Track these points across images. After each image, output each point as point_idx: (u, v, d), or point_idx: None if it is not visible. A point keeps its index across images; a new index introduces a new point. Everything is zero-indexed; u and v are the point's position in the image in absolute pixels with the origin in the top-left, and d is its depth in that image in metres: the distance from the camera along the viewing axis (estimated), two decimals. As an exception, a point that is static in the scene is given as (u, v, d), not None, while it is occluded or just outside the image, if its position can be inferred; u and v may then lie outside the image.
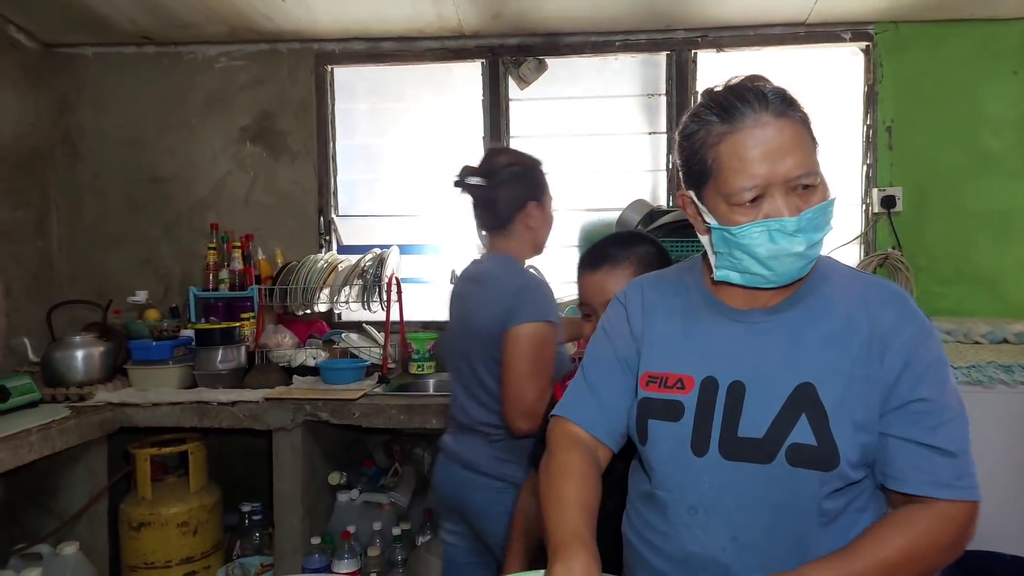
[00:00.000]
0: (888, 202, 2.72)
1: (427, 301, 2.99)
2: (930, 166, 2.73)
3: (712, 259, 1.03)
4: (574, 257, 2.93)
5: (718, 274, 1.02)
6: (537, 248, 1.76)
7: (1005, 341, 2.45)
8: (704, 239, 1.04)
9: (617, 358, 1.11)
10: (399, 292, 2.69)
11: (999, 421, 2.22)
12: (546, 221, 1.75)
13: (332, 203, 3.07)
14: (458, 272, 1.82)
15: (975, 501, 0.94)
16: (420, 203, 3.05)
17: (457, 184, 1.73)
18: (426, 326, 2.93)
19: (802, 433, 0.95)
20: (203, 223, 3.02)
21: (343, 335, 2.77)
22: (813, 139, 0.96)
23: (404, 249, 2.97)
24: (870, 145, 2.78)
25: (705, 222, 1.01)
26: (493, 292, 1.64)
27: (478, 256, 1.87)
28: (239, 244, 2.90)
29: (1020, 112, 2.68)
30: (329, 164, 3.06)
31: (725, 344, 1.03)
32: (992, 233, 2.70)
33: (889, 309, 0.99)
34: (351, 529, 2.41)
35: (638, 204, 2.58)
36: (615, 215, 2.64)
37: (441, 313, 2.74)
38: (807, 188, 0.94)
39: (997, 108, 2.68)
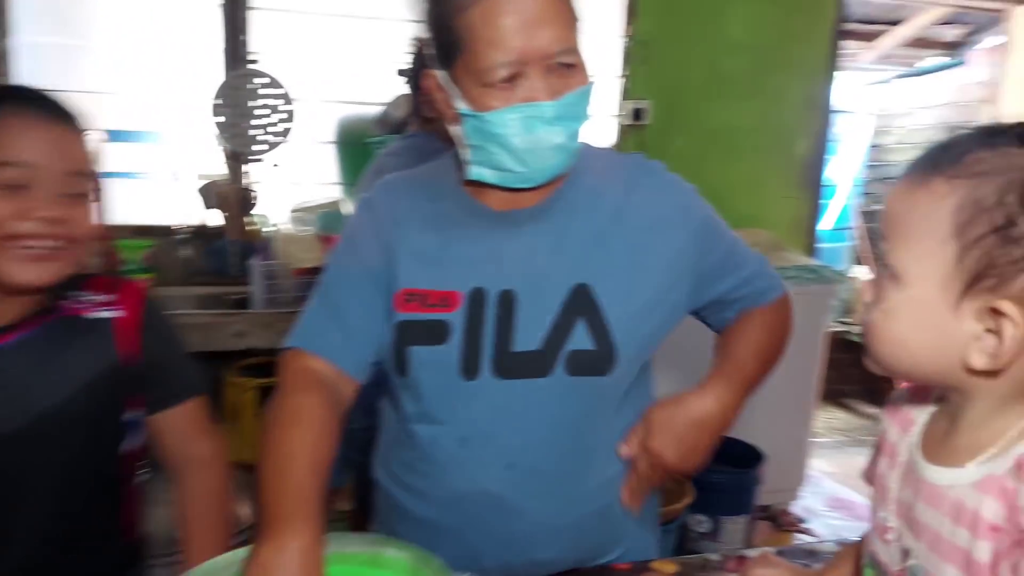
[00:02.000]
0: (637, 114, 2.82)
1: (142, 200, 2.54)
2: (677, 83, 2.86)
3: (465, 154, 0.91)
4: (329, 155, 2.68)
5: (472, 172, 0.91)
6: None
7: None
8: (455, 131, 0.92)
9: (365, 272, 0.96)
10: (100, 188, 2.21)
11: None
12: None
13: (8, 72, 2.42)
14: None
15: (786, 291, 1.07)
16: (134, 79, 2.51)
17: None
18: (141, 231, 2.49)
19: (580, 338, 0.90)
20: None
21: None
22: (574, 14, 0.86)
23: (113, 136, 2.47)
24: (627, 58, 2.84)
25: (455, 108, 0.89)
26: None
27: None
28: None
29: (755, 38, 2.89)
30: (4, 20, 2.38)
31: (490, 252, 0.94)
32: (722, 149, 2.93)
33: (654, 189, 0.97)
34: None
35: (402, 99, 2.36)
36: (376, 111, 2.41)
37: (161, 215, 2.36)
38: (567, 68, 0.85)
39: (737, 32, 2.86)
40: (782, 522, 2.86)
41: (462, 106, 0.87)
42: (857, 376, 4.28)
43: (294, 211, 2.51)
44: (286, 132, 2.40)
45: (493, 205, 0.95)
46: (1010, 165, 0.51)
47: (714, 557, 0.97)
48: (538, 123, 0.85)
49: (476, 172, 0.92)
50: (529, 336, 0.91)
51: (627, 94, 2.85)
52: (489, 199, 0.95)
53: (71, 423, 0.93)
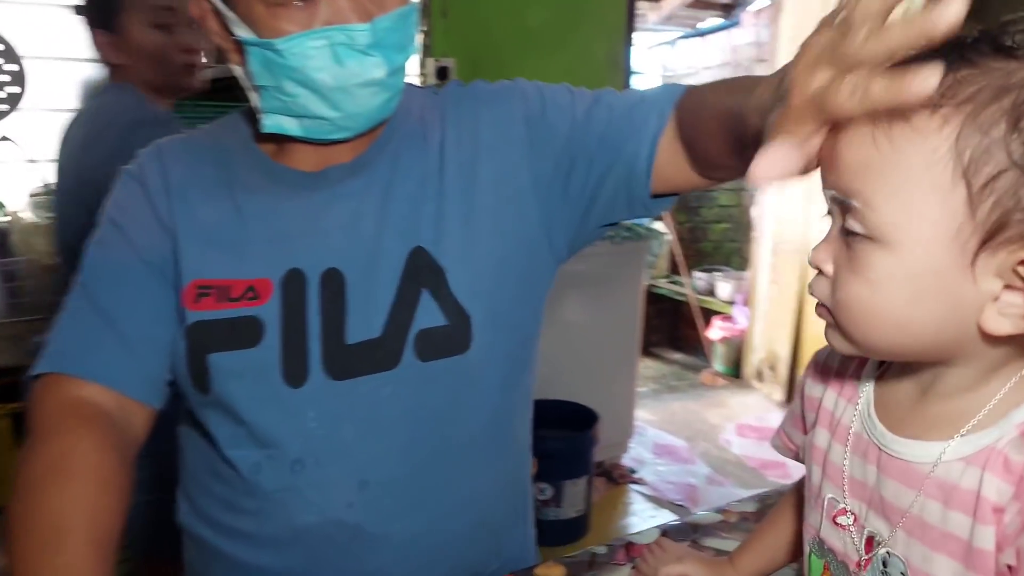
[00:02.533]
0: (442, 73, 2.66)
1: None
2: (482, 38, 2.73)
3: (255, 100, 0.71)
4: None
5: (267, 122, 0.72)
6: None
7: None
8: (238, 71, 0.73)
9: (140, 262, 0.74)
10: None
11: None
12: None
13: None
14: None
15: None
16: None
17: None
18: None
19: (427, 314, 0.74)
20: None
21: None
22: None
23: None
24: (426, 12, 2.66)
25: (234, 36, 0.69)
26: None
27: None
28: None
29: (557, -11, 2.81)
30: None
31: (303, 223, 0.75)
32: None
33: (468, 113, 0.80)
34: None
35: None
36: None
37: None
38: None
39: (539, -17, 2.78)
40: (615, 476, 2.92)
41: (243, 33, 0.67)
42: (661, 325, 4.54)
43: (33, 195, 2.06)
44: (14, 98, 1.95)
45: (299, 166, 0.76)
46: (1007, 80, 0.40)
47: (600, 551, 0.86)
48: (349, 53, 0.66)
49: (272, 123, 0.71)
50: (366, 322, 0.73)
51: (429, 52, 2.67)
52: (294, 159, 0.76)
53: None
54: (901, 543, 0.50)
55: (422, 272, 0.74)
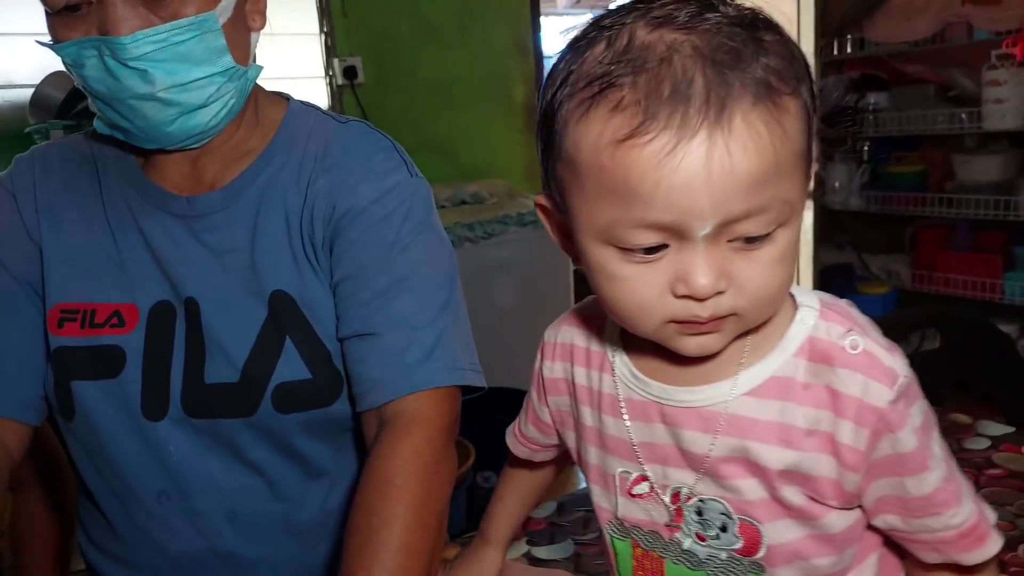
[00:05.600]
0: (350, 73, 2.65)
1: None
2: (383, 35, 2.72)
3: (91, 103, 0.70)
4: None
5: (95, 124, 0.71)
6: None
7: (464, 202, 2.69)
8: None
9: (10, 277, 0.73)
10: None
11: (472, 275, 2.46)
12: None
13: None
14: None
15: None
16: None
17: None
18: None
19: (290, 365, 0.71)
20: None
21: None
22: None
23: None
24: (324, 12, 2.64)
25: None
26: None
27: None
28: None
29: (453, -19, 2.82)
30: None
31: (173, 249, 0.73)
32: (440, 102, 2.86)
33: (343, 169, 0.74)
34: None
35: (57, 77, 1.96)
36: (27, 92, 1.99)
37: None
38: None
39: (433, -23, 2.78)
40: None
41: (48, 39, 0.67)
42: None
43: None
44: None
45: (171, 186, 0.74)
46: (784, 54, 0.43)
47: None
48: (116, 65, 0.64)
49: (99, 125, 0.70)
50: (224, 365, 0.72)
51: (333, 51, 2.66)
52: (164, 177, 0.74)
53: None
54: (713, 487, 0.51)
55: (285, 317, 0.72)
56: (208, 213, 0.74)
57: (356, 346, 0.70)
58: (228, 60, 0.68)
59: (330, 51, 2.66)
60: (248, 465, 0.74)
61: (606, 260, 0.45)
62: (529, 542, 0.88)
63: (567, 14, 4.69)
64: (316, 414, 0.73)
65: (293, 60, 2.62)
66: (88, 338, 0.72)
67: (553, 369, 0.60)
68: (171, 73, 0.65)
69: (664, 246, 0.43)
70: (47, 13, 0.66)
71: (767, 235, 0.43)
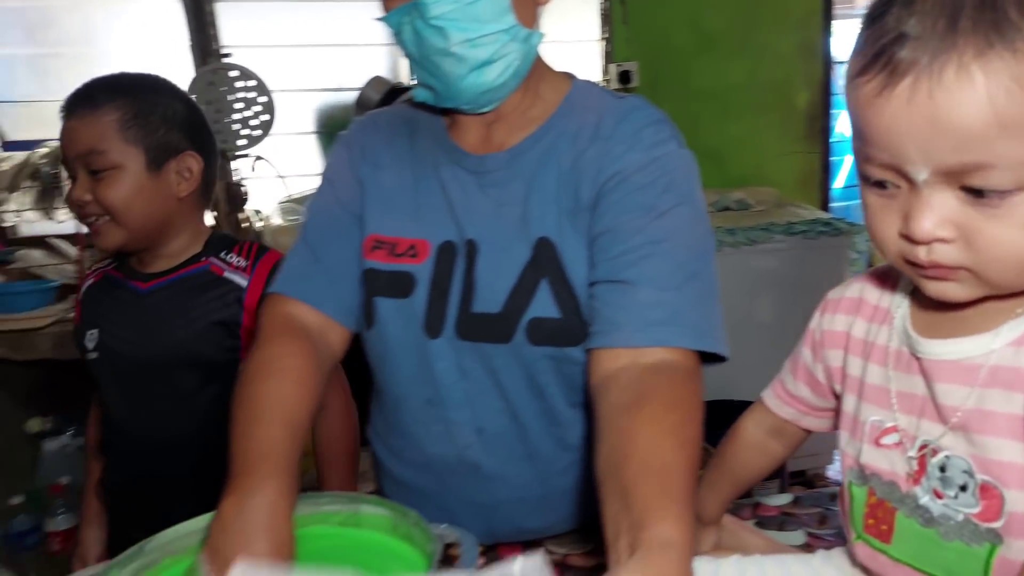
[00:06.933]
0: (625, 77, 2.74)
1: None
2: (661, 43, 2.78)
3: (410, 69, 0.84)
4: (311, 145, 2.62)
5: (416, 93, 0.83)
6: None
7: (727, 208, 2.65)
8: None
9: (344, 211, 0.89)
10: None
11: (727, 279, 2.41)
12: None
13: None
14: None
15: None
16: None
17: None
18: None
19: (542, 304, 0.81)
20: None
21: (18, 253, 2.21)
22: None
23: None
24: (606, 19, 2.77)
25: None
26: None
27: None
28: None
29: (738, -8, 2.79)
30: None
31: (462, 198, 0.86)
32: (716, 108, 2.84)
33: (620, 139, 0.80)
34: (64, 480, 2.01)
35: (377, 81, 2.33)
36: (353, 95, 2.36)
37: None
38: None
39: (719, -15, 2.77)
40: (818, 487, 2.77)
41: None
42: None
43: (282, 203, 2.46)
44: (266, 125, 2.34)
45: (468, 146, 0.87)
46: None
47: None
48: (420, 24, 0.74)
49: (417, 92, 0.84)
50: (489, 297, 0.83)
51: (611, 57, 2.77)
52: (461, 135, 0.88)
53: (194, 357, 1.09)
54: (962, 442, 0.50)
55: (545, 263, 0.81)
56: (494, 170, 0.85)
57: (606, 289, 0.76)
58: (511, 19, 0.76)
59: (608, 56, 2.79)
60: (499, 388, 0.85)
61: (862, 189, 0.51)
62: (758, 524, 0.88)
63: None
64: (561, 352, 0.82)
65: (572, 63, 2.78)
66: (390, 264, 0.86)
67: (834, 321, 0.63)
68: (463, 30, 0.74)
69: (897, 186, 0.47)
70: None
71: (1005, 193, 0.42)
